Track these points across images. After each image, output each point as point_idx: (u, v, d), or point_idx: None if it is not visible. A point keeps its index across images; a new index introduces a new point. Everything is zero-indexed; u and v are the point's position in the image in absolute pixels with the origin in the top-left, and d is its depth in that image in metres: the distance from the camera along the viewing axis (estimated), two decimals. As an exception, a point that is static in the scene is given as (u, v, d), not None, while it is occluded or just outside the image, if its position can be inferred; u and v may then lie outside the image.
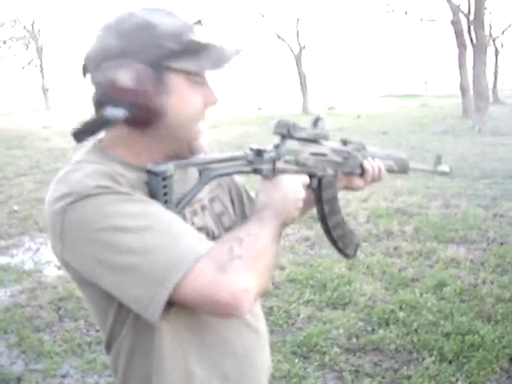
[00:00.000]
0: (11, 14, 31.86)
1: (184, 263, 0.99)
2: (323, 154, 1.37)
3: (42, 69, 34.66)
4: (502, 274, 4.56)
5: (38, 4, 41.32)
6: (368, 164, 1.53)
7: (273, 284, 4.41)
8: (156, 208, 1.05)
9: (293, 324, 3.86)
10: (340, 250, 1.49)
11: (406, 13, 19.22)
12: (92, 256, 1.00)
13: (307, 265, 4.91)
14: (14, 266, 5.32)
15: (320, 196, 1.40)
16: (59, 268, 5.09)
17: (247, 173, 1.23)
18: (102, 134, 1.18)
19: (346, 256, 1.52)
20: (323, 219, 1.44)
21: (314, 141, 1.33)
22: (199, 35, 1.11)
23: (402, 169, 1.72)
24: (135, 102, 1.07)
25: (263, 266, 1.07)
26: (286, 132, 1.24)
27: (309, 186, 1.34)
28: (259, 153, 1.21)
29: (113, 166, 1.09)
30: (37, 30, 33.72)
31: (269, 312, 3.93)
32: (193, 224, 1.20)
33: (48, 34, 35.42)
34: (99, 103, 1.10)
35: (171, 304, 1.00)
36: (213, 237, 1.25)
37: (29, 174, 10.53)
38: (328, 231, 1.45)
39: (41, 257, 5.55)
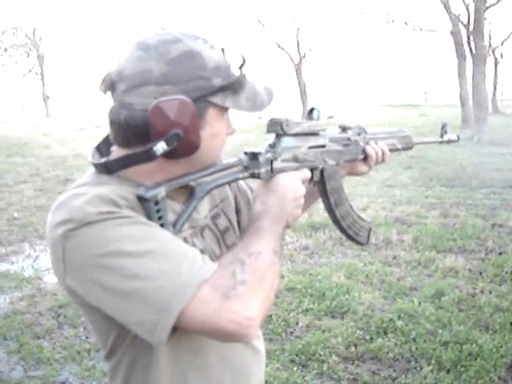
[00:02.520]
0: (13, 21, 31.87)
1: (188, 290, 0.96)
2: (322, 146, 1.34)
3: (42, 76, 34.71)
4: (500, 284, 4.57)
5: (40, 12, 41.42)
6: (371, 149, 1.50)
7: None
8: (156, 230, 1.02)
9: (291, 332, 3.87)
10: (352, 239, 1.47)
11: (406, 23, 19.27)
12: (95, 281, 0.98)
13: (306, 273, 4.92)
14: (13, 273, 5.33)
15: (324, 188, 1.38)
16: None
17: (244, 179, 1.21)
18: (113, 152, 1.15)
19: (359, 243, 1.50)
20: (330, 210, 1.41)
21: (310, 133, 1.30)
22: (236, 72, 1.11)
23: (406, 146, 1.68)
24: (180, 135, 1.02)
25: (267, 288, 1.04)
26: (279, 130, 1.21)
27: (311, 180, 1.31)
28: (254, 156, 1.18)
29: (117, 188, 1.05)
30: (38, 38, 33.80)
31: (268, 320, 3.94)
32: (194, 246, 1.16)
33: (49, 42, 35.41)
34: (129, 126, 1.05)
35: (175, 328, 0.98)
36: (215, 257, 1.21)
37: (29, 181, 10.55)
38: (337, 221, 1.43)
39: (40, 264, 5.57)
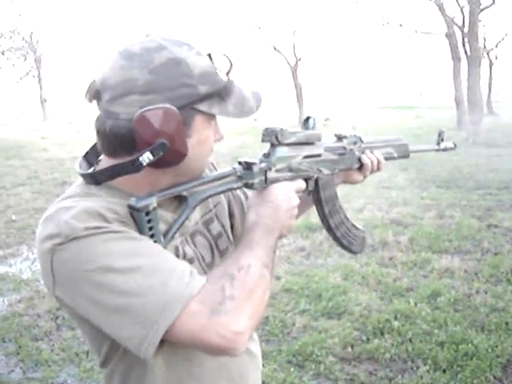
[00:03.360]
0: (10, 24, 31.78)
1: (176, 305, 0.96)
2: (317, 155, 1.34)
3: (39, 79, 34.70)
4: (496, 284, 4.59)
5: (37, 15, 41.41)
6: (366, 158, 1.51)
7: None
8: (146, 245, 1.02)
9: (288, 333, 3.88)
10: (346, 248, 1.48)
11: (401, 25, 19.31)
12: (83, 295, 0.98)
13: (303, 275, 4.94)
14: (12, 276, 5.34)
15: (319, 197, 1.38)
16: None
17: (238, 188, 1.21)
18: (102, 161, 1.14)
19: (353, 252, 1.51)
20: (324, 220, 1.42)
21: (306, 143, 1.30)
22: (223, 78, 1.09)
23: (402, 154, 1.68)
24: (165, 144, 1.01)
25: (256, 303, 1.04)
26: (274, 139, 1.21)
27: (305, 190, 1.31)
28: (248, 166, 1.18)
29: (105, 201, 1.05)
30: (35, 41, 33.78)
31: (264, 322, 3.96)
32: (184, 254, 1.17)
33: (46, 45, 35.40)
34: (114, 136, 1.04)
35: (163, 341, 0.98)
36: (205, 264, 1.22)
37: (27, 183, 10.54)
38: (331, 230, 1.43)
39: (39, 266, 5.55)
